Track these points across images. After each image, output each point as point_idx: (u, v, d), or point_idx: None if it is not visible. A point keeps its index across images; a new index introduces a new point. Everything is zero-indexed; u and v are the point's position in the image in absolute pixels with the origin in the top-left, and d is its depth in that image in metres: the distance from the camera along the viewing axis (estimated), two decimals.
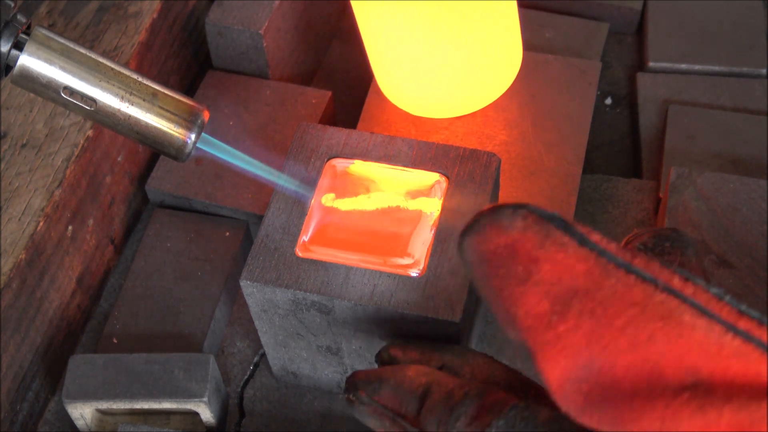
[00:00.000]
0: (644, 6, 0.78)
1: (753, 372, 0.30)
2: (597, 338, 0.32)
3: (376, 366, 0.54)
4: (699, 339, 0.31)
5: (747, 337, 0.30)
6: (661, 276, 0.32)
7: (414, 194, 0.53)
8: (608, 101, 0.75)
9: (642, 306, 0.31)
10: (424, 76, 0.64)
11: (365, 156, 0.55)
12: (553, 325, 0.33)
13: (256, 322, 0.54)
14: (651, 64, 0.74)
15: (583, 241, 0.33)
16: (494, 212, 0.34)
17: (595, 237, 0.33)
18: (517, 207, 0.34)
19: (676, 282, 0.32)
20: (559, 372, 0.33)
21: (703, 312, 0.31)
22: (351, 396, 0.44)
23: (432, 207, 0.52)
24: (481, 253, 0.34)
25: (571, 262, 0.32)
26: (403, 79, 0.66)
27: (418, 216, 0.52)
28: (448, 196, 0.52)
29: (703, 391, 0.30)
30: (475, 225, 0.34)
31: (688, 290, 0.31)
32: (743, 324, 0.31)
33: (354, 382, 0.44)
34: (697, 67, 0.74)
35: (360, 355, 0.53)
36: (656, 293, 0.32)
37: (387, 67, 0.66)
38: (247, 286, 0.51)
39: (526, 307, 0.33)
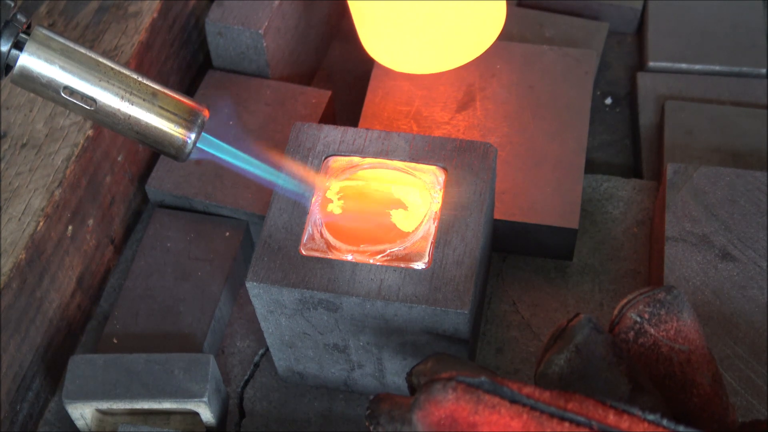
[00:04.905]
0: (644, 6, 0.78)
1: None
2: None
3: (380, 363, 0.54)
4: None
5: None
6: (595, 416, 0.35)
7: (413, 188, 0.53)
8: (608, 101, 0.75)
9: None
10: (408, 31, 0.64)
11: (362, 152, 0.55)
12: None
13: (262, 324, 0.54)
14: (651, 63, 0.74)
15: (513, 399, 0.36)
16: (428, 388, 0.37)
17: (528, 390, 0.36)
18: (447, 380, 0.37)
19: (611, 419, 0.35)
20: None
21: None
22: (371, 427, 0.43)
23: (432, 199, 0.52)
24: (428, 426, 0.37)
25: (506, 421, 0.36)
26: (387, 34, 0.65)
27: (417, 209, 0.52)
28: (447, 187, 0.52)
29: None
30: (416, 402, 0.38)
31: (624, 424, 0.35)
32: None
33: (377, 413, 0.43)
34: (696, 67, 0.74)
35: (367, 350, 0.53)
36: None
37: (370, 22, 0.66)
38: (253, 288, 0.50)
39: None
